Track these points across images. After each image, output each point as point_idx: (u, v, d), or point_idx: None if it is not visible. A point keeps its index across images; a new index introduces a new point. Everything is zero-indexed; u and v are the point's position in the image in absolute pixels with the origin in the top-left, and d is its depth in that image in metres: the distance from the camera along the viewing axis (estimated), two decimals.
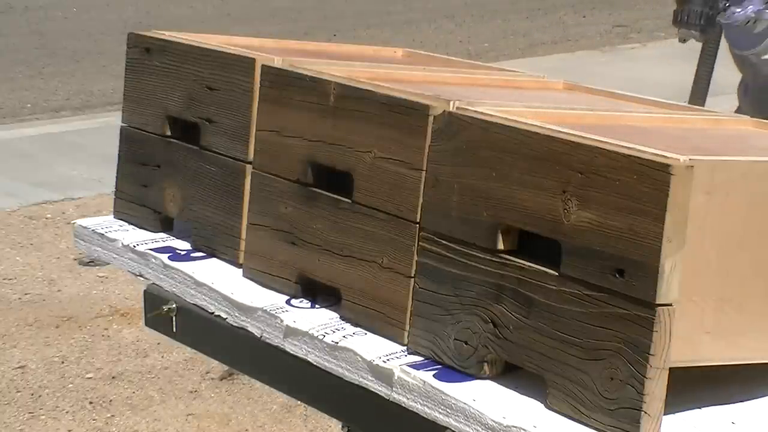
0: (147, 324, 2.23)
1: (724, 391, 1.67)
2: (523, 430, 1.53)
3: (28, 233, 5.63)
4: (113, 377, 4.17)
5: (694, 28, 2.08)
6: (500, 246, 1.64)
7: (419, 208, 1.74)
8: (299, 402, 2.74)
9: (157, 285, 2.17)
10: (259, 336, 1.94)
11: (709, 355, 1.59)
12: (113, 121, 4.62)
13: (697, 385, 1.66)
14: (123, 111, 2.34)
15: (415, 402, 1.67)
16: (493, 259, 1.64)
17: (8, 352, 4.35)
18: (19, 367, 4.24)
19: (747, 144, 1.91)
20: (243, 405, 3.97)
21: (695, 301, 1.52)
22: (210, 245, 2.14)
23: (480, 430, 1.58)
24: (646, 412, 1.48)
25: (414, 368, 1.69)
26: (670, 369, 1.49)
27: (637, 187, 1.46)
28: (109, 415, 3.91)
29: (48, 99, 8.52)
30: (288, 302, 1.95)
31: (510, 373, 1.66)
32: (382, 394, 1.72)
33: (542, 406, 1.59)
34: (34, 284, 5.00)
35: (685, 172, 1.45)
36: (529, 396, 1.62)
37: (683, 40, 2.13)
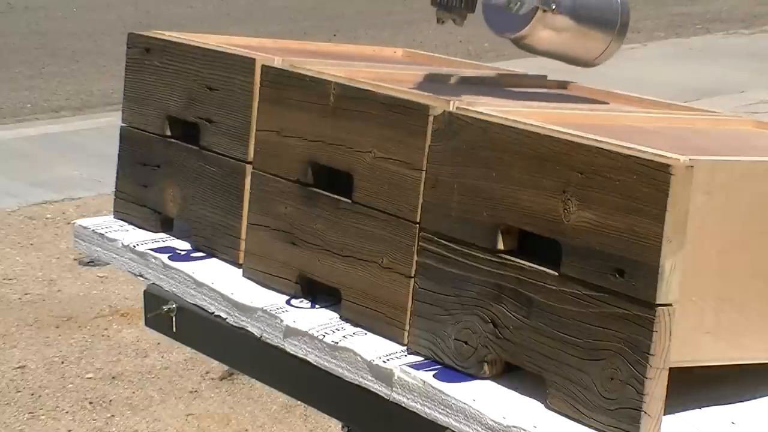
0: (147, 324, 2.23)
1: (724, 391, 1.67)
2: (523, 430, 1.53)
3: (28, 233, 5.63)
4: (113, 377, 4.17)
5: (453, 10, 1.96)
6: (500, 246, 1.64)
7: (419, 208, 1.74)
8: (299, 402, 2.74)
9: (157, 285, 2.17)
10: (259, 336, 1.94)
11: (709, 355, 1.59)
12: (113, 121, 4.62)
13: (697, 385, 1.66)
14: (123, 111, 2.34)
15: (415, 402, 1.67)
16: (493, 259, 1.64)
17: (8, 352, 4.35)
18: (19, 367, 4.24)
19: (747, 144, 1.91)
20: (243, 405, 3.97)
21: (695, 301, 1.52)
22: (210, 245, 2.14)
23: (480, 430, 1.58)
24: (646, 412, 1.48)
25: (414, 368, 1.69)
26: (670, 369, 1.49)
27: (637, 187, 1.46)
28: (109, 415, 3.91)
29: (48, 99, 8.52)
30: (288, 302, 1.95)
31: (510, 373, 1.66)
32: (382, 394, 1.72)
33: (542, 406, 1.59)
34: (34, 284, 5.00)
35: (685, 172, 1.45)
36: (529, 396, 1.62)
37: (441, 22, 2.01)
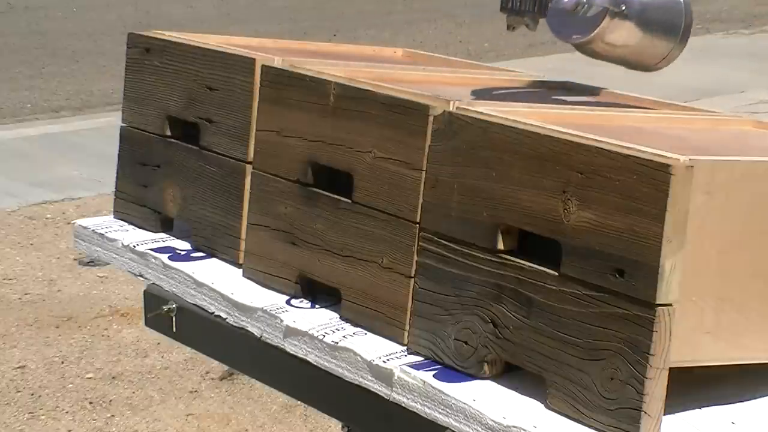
0: (147, 324, 2.23)
1: (724, 391, 1.67)
2: (523, 430, 1.53)
3: (28, 233, 5.63)
4: (113, 377, 4.17)
5: (526, 14, 1.91)
6: (500, 246, 1.64)
7: (419, 208, 1.74)
8: (299, 402, 2.74)
9: (157, 285, 2.17)
10: (259, 336, 1.94)
11: (709, 355, 1.59)
12: (113, 121, 4.62)
13: (697, 385, 1.66)
14: (123, 111, 2.34)
15: (415, 402, 1.67)
16: (493, 259, 1.64)
17: (8, 352, 4.35)
18: (19, 367, 4.24)
19: (747, 144, 1.91)
20: (243, 405, 3.97)
21: (695, 301, 1.52)
22: (210, 245, 2.14)
23: (480, 430, 1.58)
24: (646, 412, 1.48)
25: (414, 368, 1.69)
26: (670, 369, 1.49)
27: (637, 187, 1.46)
28: (109, 415, 3.91)
29: (48, 99, 8.52)
30: (288, 302, 1.95)
31: (510, 373, 1.66)
32: (382, 394, 1.72)
33: (542, 406, 1.59)
34: (34, 284, 5.00)
35: (685, 172, 1.45)
36: (529, 396, 1.62)
37: (512, 28, 1.96)
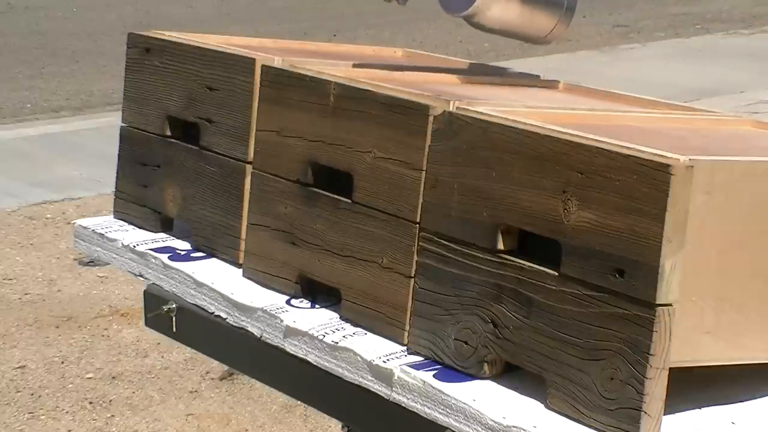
0: (147, 324, 2.23)
1: (724, 391, 1.67)
2: (523, 430, 1.53)
3: (28, 233, 5.63)
4: (113, 377, 4.17)
5: None
6: (500, 246, 1.64)
7: (419, 208, 1.74)
8: (299, 402, 2.74)
9: (157, 285, 2.17)
10: (259, 336, 1.94)
11: (709, 355, 1.59)
12: (113, 121, 4.62)
13: (697, 385, 1.66)
14: (123, 111, 2.34)
15: (415, 402, 1.67)
16: (493, 259, 1.64)
17: (8, 352, 4.35)
18: (19, 367, 4.24)
19: (747, 144, 1.91)
20: (243, 405, 3.97)
21: (695, 301, 1.52)
22: (210, 245, 2.14)
23: (480, 430, 1.58)
24: (646, 412, 1.48)
25: (414, 368, 1.69)
26: (670, 369, 1.49)
27: (637, 187, 1.46)
28: (109, 415, 3.91)
29: (48, 99, 8.52)
30: (288, 302, 1.95)
31: (510, 373, 1.66)
32: (382, 394, 1.72)
33: (542, 406, 1.59)
34: (34, 284, 5.00)
35: (685, 172, 1.45)
36: (529, 396, 1.62)
37: (388, 0, 2.07)
